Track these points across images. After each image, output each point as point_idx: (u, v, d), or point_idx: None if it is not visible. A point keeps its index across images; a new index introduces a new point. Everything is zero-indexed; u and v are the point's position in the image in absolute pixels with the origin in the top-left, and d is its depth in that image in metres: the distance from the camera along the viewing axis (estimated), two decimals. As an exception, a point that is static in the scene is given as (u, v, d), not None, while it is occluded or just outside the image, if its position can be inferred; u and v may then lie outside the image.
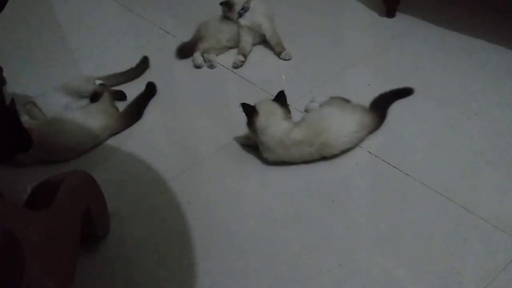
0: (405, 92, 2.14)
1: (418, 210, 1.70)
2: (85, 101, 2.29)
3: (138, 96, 2.34)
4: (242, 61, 2.48)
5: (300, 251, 1.62)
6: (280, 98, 1.94)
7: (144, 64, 2.56)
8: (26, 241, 1.15)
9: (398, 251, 1.59)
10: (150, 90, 2.38)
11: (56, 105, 2.23)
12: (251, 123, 1.90)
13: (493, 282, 1.46)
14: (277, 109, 1.91)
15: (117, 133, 2.20)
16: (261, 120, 1.88)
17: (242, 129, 2.11)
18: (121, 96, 2.37)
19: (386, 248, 1.60)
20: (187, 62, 2.56)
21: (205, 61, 2.53)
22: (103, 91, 2.28)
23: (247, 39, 2.52)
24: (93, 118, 2.14)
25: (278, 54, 2.49)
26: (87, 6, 3.25)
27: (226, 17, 2.56)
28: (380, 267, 1.55)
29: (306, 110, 2.14)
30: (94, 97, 2.27)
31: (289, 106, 1.95)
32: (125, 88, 2.44)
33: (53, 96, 2.27)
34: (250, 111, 1.90)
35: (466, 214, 1.65)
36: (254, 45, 2.57)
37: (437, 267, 1.52)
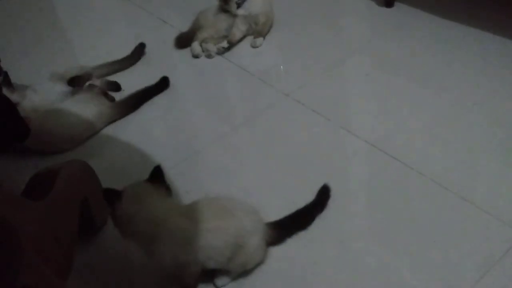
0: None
1: (415, 200, 1.70)
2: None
3: (144, 88, 2.30)
4: (224, 48, 2.48)
5: (297, 242, 1.62)
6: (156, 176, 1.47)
7: (139, 50, 2.55)
8: (23, 230, 1.15)
9: (395, 241, 1.59)
10: (161, 86, 2.34)
11: (53, 94, 2.23)
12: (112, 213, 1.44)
13: (490, 271, 1.46)
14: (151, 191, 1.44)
15: (112, 121, 2.20)
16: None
17: (241, 121, 2.12)
18: (116, 87, 2.36)
19: (383, 237, 1.61)
20: (185, 51, 2.56)
21: (203, 51, 2.52)
22: (85, 76, 2.27)
23: (240, 27, 2.51)
24: (85, 106, 2.14)
25: (254, 39, 2.52)
26: (85, -4, 3.25)
27: (224, 9, 2.55)
28: (377, 256, 1.55)
29: None
30: (73, 80, 2.25)
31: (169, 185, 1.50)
32: (122, 77, 2.44)
33: (50, 85, 2.27)
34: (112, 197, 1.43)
35: (464, 203, 1.65)
36: (250, 34, 2.56)
37: (434, 256, 1.52)
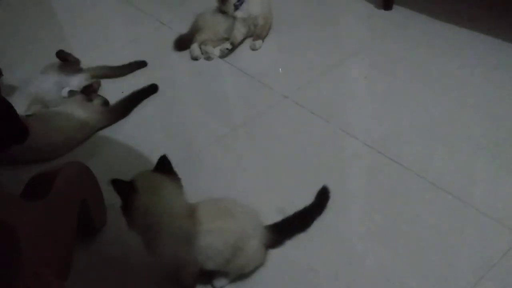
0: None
1: (414, 202, 1.70)
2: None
3: (133, 93, 2.30)
4: (228, 49, 2.48)
5: (297, 244, 1.62)
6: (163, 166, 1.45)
7: (137, 65, 2.52)
8: (22, 232, 1.15)
9: (394, 242, 1.59)
10: (149, 91, 2.34)
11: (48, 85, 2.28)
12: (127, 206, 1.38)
13: (489, 273, 1.46)
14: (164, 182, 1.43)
15: (103, 127, 2.20)
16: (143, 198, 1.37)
17: (240, 122, 2.12)
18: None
19: (382, 239, 1.61)
20: (185, 54, 2.56)
21: (202, 53, 2.52)
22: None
23: (240, 29, 2.51)
24: (75, 111, 2.14)
25: (253, 41, 2.52)
26: (84, -3, 3.25)
27: (222, 11, 2.55)
28: (376, 258, 1.56)
29: None
30: None
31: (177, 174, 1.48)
32: (122, 80, 2.44)
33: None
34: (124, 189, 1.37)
35: (461, 205, 1.65)
36: (249, 36, 2.57)
37: (432, 258, 1.52)
